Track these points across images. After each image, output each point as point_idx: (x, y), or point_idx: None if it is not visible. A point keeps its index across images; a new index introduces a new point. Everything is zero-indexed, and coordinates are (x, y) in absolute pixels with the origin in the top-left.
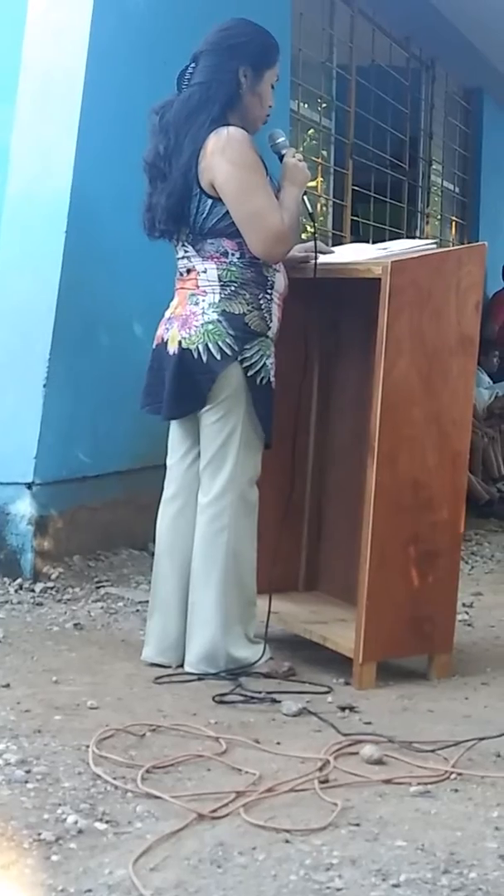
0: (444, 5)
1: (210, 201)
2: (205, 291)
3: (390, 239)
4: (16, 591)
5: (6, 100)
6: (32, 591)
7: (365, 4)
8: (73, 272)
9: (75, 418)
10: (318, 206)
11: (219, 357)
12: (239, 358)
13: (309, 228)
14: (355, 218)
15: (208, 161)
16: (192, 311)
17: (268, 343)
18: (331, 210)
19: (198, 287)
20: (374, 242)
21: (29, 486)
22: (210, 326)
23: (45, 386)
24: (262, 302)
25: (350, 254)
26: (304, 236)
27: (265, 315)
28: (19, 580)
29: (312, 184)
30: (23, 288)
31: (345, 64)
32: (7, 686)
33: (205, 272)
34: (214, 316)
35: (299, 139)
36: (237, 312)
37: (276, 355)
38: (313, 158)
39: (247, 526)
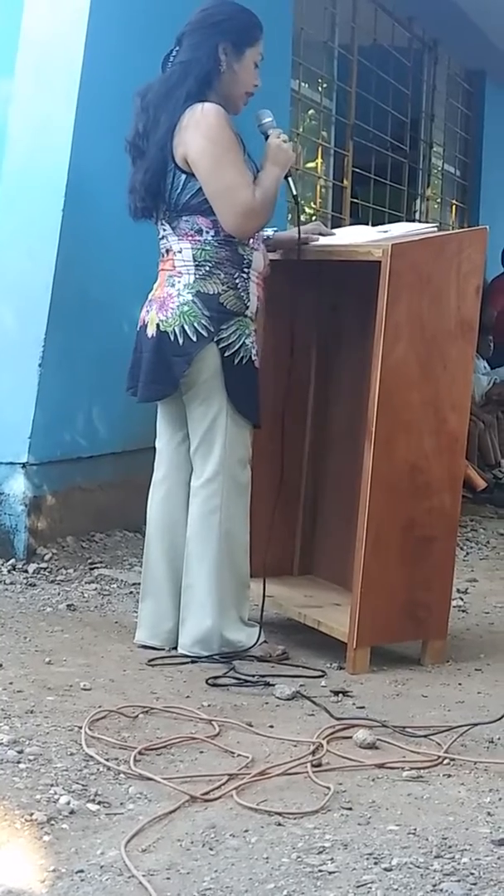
0: None
1: (184, 176)
2: (180, 273)
3: (390, 221)
4: (9, 571)
5: (4, 74)
6: (25, 571)
7: None
8: (69, 251)
9: (70, 398)
10: (318, 187)
11: (195, 339)
12: (215, 339)
13: (307, 209)
14: (355, 200)
15: (182, 136)
16: (169, 292)
17: (246, 322)
18: (330, 192)
19: (174, 268)
20: (373, 225)
21: (23, 465)
22: (185, 308)
23: (40, 366)
24: (237, 281)
25: (350, 236)
26: (301, 218)
27: (241, 294)
28: (12, 560)
29: (311, 165)
30: (18, 266)
31: (346, 44)
32: (0, 666)
33: (180, 252)
34: (189, 297)
35: (299, 119)
36: (212, 293)
37: (273, 338)
38: (313, 139)
39: (239, 507)
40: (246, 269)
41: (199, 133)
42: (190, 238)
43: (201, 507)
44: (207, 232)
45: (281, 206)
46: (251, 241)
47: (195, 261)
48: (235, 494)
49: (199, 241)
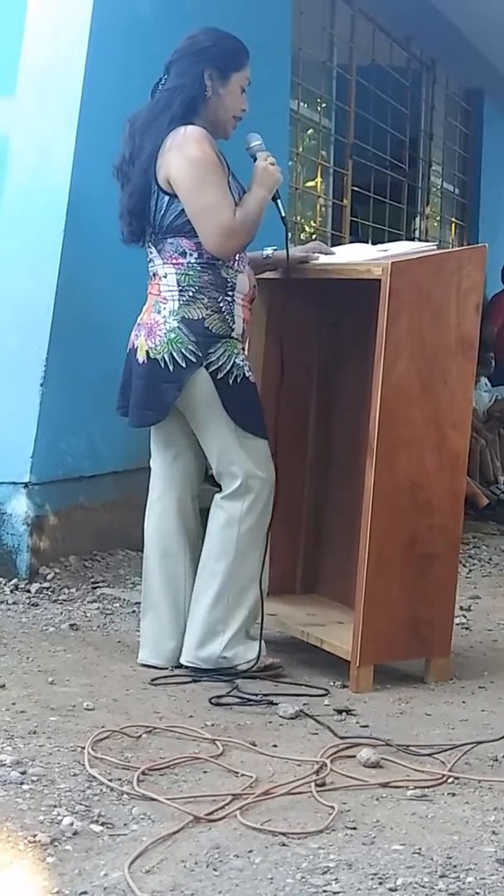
0: (445, 5)
1: (167, 198)
2: (165, 299)
3: (389, 239)
4: (11, 591)
5: (6, 95)
6: (28, 591)
7: (366, 4)
8: (71, 270)
9: (72, 418)
10: (318, 206)
11: (184, 365)
12: (204, 363)
13: (307, 228)
14: (354, 218)
15: (165, 158)
16: (156, 319)
17: (233, 343)
18: (330, 210)
19: (160, 293)
20: (373, 243)
21: (25, 485)
22: (172, 335)
23: (42, 385)
24: (221, 305)
25: (350, 254)
26: (302, 236)
27: (226, 317)
28: (15, 580)
29: (311, 184)
30: (20, 286)
31: (345, 64)
32: (2, 687)
33: (165, 277)
34: (175, 324)
35: (299, 139)
36: (196, 318)
37: (273, 355)
38: (312, 158)
39: (256, 522)
40: (230, 293)
41: (182, 154)
42: (174, 262)
43: (218, 520)
44: (191, 254)
45: (280, 226)
46: (236, 263)
47: (179, 286)
48: (256, 509)
49: (182, 264)
